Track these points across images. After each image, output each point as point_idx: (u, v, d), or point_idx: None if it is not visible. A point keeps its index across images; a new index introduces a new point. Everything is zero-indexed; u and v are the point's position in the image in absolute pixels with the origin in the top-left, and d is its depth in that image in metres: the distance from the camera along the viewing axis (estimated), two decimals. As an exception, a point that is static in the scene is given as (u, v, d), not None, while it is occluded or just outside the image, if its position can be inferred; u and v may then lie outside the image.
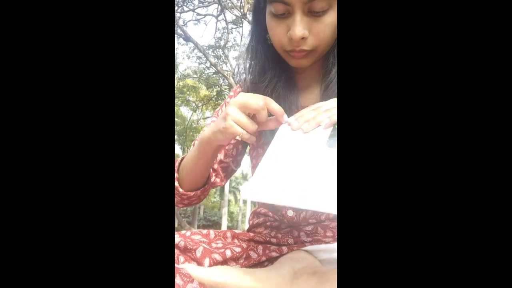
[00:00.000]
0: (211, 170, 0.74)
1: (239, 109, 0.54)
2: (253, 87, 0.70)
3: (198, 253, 0.56)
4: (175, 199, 0.71)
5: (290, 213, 0.66)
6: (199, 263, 0.55)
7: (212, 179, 0.73)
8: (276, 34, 0.61)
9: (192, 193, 0.69)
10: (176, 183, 0.69)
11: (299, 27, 0.57)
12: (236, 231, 0.66)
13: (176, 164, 0.71)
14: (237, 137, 0.54)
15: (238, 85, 0.79)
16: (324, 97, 0.62)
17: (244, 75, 0.74)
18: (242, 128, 0.54)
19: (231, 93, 0.81)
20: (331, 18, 0.58)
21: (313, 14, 0.57)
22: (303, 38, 0.58)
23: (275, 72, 0.68)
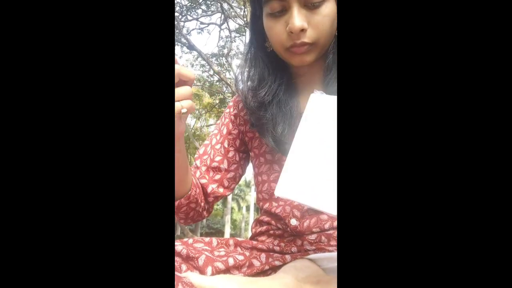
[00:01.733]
0: (212, 185, 0.73)
1: None
2: (253, 93, 0.70)
3: (201, 261, 0.55)
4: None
5: (293, 222, 0.66)
6: (202, 271, 0.55)
7: (209, 189, 0.71)
8: (275, 33, 0.62)
9: (176, 203, 0.65)
10: None
11: (298, 18, 0.58)
12: (239, 239, 0.65)
13: None
14: (183, 111, 0.49)
15: (237, 94, 0.79)
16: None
17: (241, 85, 0.73)
18: (179, 99, 0.49)
19: (230, 103, 0.81)
20: (328, 9, 0.59)
21: (309, 6, 0.58)
22: (302, 29, 0.58)
23: (275, 77, 0.68)
